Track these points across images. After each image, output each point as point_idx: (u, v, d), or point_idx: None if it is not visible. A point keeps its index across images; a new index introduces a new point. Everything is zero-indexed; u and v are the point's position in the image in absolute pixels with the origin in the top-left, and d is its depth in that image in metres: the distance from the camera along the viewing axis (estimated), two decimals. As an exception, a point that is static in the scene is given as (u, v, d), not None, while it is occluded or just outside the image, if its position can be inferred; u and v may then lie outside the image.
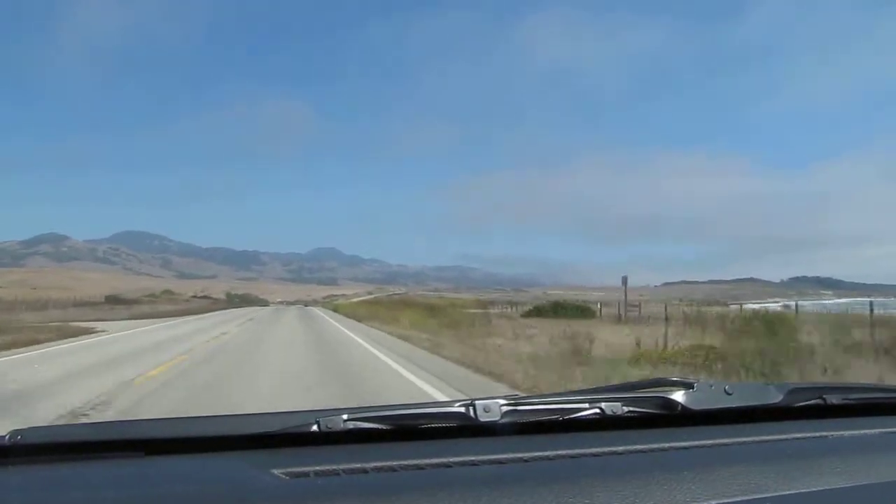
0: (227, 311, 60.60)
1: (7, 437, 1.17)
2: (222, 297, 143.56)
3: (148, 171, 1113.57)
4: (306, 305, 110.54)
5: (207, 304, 77.66)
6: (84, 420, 6.55)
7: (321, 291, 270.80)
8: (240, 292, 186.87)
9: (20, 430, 1.18)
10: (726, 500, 0.95)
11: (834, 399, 1.54)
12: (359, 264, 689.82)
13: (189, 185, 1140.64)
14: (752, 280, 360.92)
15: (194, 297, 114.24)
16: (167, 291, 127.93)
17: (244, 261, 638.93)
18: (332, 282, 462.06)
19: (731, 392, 1.42)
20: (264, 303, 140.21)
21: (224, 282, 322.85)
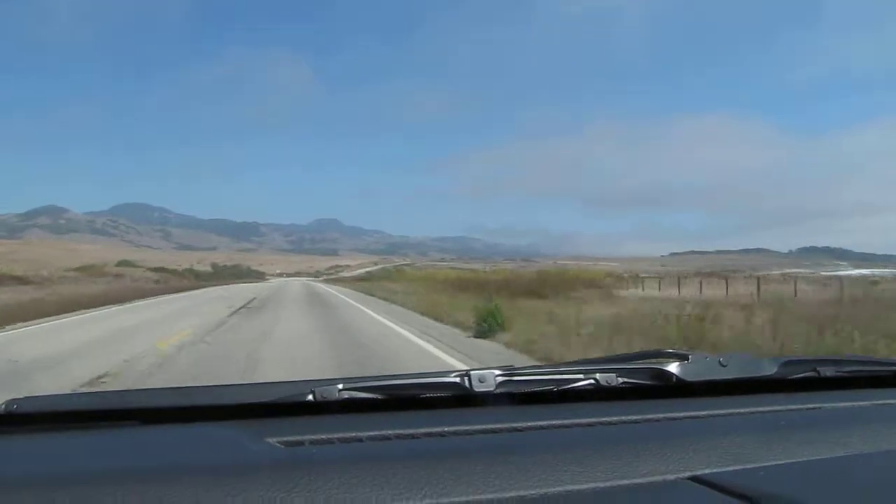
0: (158, 300, 30.97)
1: (3, 406, 1.18)
2: (209, 269, 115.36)
3: (149, 143, 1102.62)
4: (316, 279, 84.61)
5: (150, 286, 45.64)
6: None
7: (323, 262, 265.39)
8: (235, 263, 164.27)
9: (16, 399, 1.19)
10: (720, 470, 0.96)
11: (828, 371, 1.55)
12: (360, 235, 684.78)
13: (190, 157, 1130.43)
14: (760, 250, 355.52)
15: (150, 269, 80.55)
16: (124, 262, 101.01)
17: (244, 232, 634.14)
18: (333, 252, 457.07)
19: (725, 364, 1.44)
20: (259, 276, 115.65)
21: (224, 253, 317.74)
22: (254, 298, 31.12)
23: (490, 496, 0.87)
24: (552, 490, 0.89)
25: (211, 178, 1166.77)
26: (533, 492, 0.88)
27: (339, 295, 37.35)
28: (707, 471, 0.95)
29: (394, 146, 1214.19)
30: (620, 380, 1.39)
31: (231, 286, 54.83)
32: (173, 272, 73.68)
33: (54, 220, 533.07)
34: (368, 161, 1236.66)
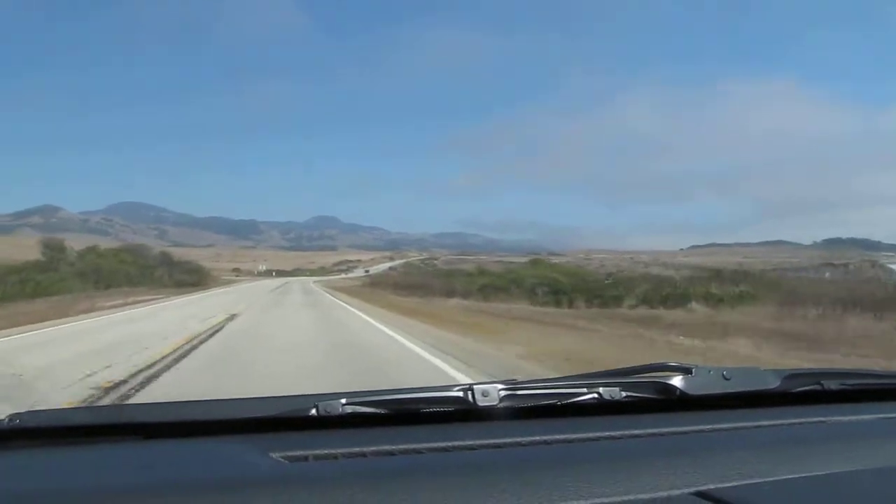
0: None
1: (6, 420, 1.17)
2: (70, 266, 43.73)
3: (145, 141, 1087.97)
4: (327, 283, 56.72)
5: None
6: None
7: (324, 258, 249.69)
8: (163, 250, 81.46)
9: (18, 413, 1.18)
10: (723, 485, 0.95)
11: (832, 385, 1.54)
12: (358, 232, 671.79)
13: (186, 154, 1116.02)
14: (781, 243, 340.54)
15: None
16: None
17: (242, 230, 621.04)
18: (332, 249, 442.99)
19: (729, 377, 1.43)
20: (209, 279, 61.50)
21: (220, 251, 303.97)
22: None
23: None
24: None
25: (209, 177, 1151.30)
26: None
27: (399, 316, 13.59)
28: (711, 486, 0.95)
29: (391, 142, 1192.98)
30: (624, 394, 1.39)
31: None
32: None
33: (47, 220, 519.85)
34: (366, 157, 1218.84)
